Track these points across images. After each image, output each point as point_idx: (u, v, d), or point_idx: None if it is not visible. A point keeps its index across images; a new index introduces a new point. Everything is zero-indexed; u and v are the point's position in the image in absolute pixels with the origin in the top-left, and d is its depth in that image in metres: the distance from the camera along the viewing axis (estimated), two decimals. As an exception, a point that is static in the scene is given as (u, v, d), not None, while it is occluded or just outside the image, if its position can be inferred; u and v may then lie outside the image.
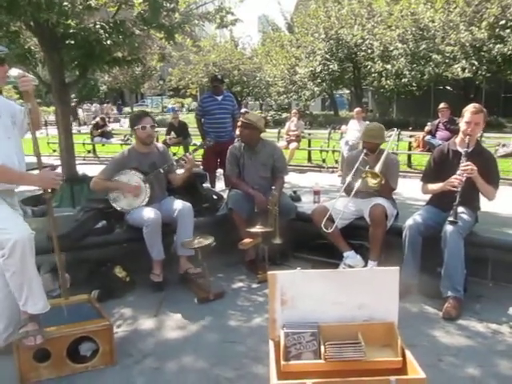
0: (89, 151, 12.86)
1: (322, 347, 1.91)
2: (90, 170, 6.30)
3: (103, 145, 13.30)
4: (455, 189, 3.29)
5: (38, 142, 2.76)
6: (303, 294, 1.98)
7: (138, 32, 5.67)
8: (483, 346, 2.83)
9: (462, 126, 3.47)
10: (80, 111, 22.01)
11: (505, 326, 3.04)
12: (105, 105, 29.69)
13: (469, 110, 3.44)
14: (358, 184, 3.77)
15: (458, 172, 3.31)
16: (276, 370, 1.81)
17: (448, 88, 18.65)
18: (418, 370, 1.76)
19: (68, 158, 5.88)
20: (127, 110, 28.94)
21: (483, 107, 3.55)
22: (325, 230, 3.74)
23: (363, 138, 4.03)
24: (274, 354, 1.93)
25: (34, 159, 2.80)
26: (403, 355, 1.91)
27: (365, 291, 1.98)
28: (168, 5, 5.58)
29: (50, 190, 2.76)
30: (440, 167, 3.58)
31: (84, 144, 12.73)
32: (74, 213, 4.04)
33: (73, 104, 26.02)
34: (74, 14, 5.01)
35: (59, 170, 5.69)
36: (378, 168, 3.67)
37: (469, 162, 3.30)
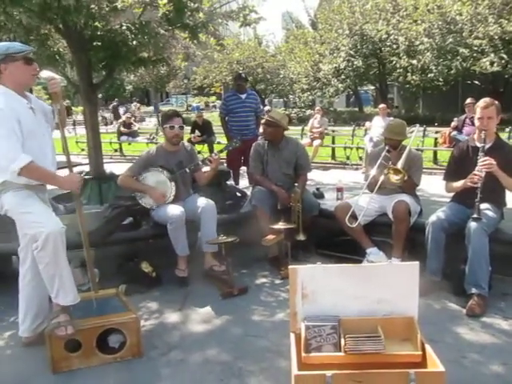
0: (115, 150, 13.13)
1: (342, 340, 1.94)
2: (117, 168, 6.44)
3: (129, 143, 13.55)
4: (476, 185, 3.26)
5: (67, 142, 2.87)
6: (323, 288, 2.02)
7: (162, 32, 5.76)
8: (508, 343, 2.80)
9: (476, 122, 3.47)
10: (121, 110, 22.40)
11: (530, 324, 3.01)
12: (133, 104, 30.17)
13: (479, 105, 3.43)
14: (380, 180, 3.77)
15: (477, 168, 3.29)
16: (297, 362, 1.86)
17: (476, 82, 18.25)
18: (437, 363, 1.78)
19: (96, 157, 6.03)
20: (152, 108, 29.34)
21: (503, 101, 3.51)
22: (349, 224, 3.75)
23: (385, 135, 4.03)
24: (295, 347, 1.98)
25: (62, 158, 2.92)
26: (423, 349, 1.93)
27: (385, 286, 2.00)
28: (192, 4, 5.65)
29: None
30: (460, 164, 3.56)
31: (111, 143, 13.00)
32: (102, 210, 4.17)
33: (115, 103, 26.52)
34: (101, 16, 5.14)
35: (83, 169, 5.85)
36: (400, 164, 3.67)
37: (487, 157, 3.28)
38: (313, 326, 1.99)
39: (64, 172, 2.87)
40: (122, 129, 13.43)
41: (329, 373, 1.73)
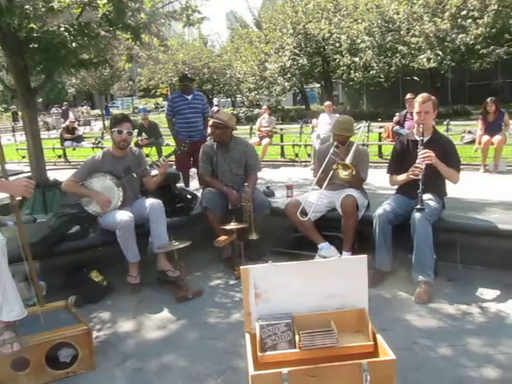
0: (59, 156, 12.64)
1: (297, 337, 1.97)
2: (62, 175, 6.21)
3: (74, 149, 13.08)
4: (417, 177, 3.40)
5: (2, 149, 2.72)
6: (276, 286, 2.04)
7: (103, 33, 5.61)
8: (454, 327, 2.94)
9: (415, 116, 3.64)
10: (71, 114, 21.51)
11: (474, 307, 3.17)
12: (84, 107, 29.18)
13: (417, 100, 3.60)
14: (329, 176, 3.85)
15: (417, 160, 3.43)
16: (253, 362, 1.86)
17: (415, 78, 19.04)
18: (388, 352, 1.84)
19: (38, 164, 5.79)
20: (97, 111, 28.52)
21: (439, 96, 3.69)
22: (301, 218, 3.80)
23: (334, 131, 4.11)
24: (250, 347, 1.98)
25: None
26: (374, 339, 1.99)
27: (335, 280, 2.05)
28: (133, 5, 5.53)
29: (19, 198, 2.74)
30: (402, 158, 3.71)
31: (54, 149, 12.50)
32: (46, 219, 4.00)
33: (64, 107, 25.43)
34: (37, 16, 4.92)
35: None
36: (348, 159, 3.76)
37: (426, 150, 3.44)
38: (267, 325, 2.00)
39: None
40: (65, 135, 12.93)
41: (285, 370, 1.75)
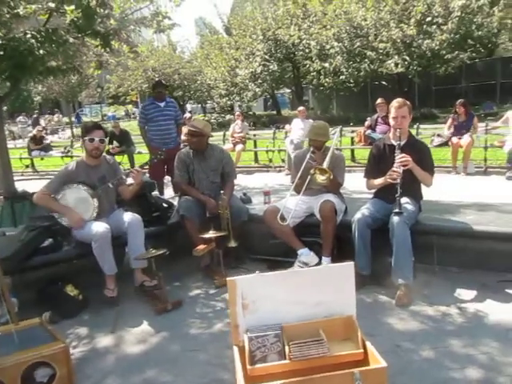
0: (27, 166, 12.26)
1: (287, 347, 1.94)
2: (30, 185, 6.03)
3: (42, 158, 12.72)
4: (395, 181, 3.44)
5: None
6: (263, 296, 2.00)
7: (72, 40, 5.48)
8: (435, 328, 2.97)
9: (391, 121, 3.68)
10: (42, 121, 20.88)
11: (453, 308, 3.21)
12: (56, 115, 28.56)
13: (393, 105, 3.65)
14: (307, 181, 3.85)
15: (395, 165, 3.47)
16: (243, 376, 1.82)
17: (383, 83, 19.42)
18: (378, 359, 1.83)
19: (5, 175, 5.61)
20: (65, 120, 27.93)
21: (407, 100, 3.76)
22: (281, 222, 3.79)
23: (310, 136, 4.12)
24: (239, 360, 1.93)
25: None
26: (364, 346, 1.98)
27: (323, 288, 2.03)
28: (102, 11, 5.44)
29: None
30: (379, 162, 3.74)
31: (21, 159, 12.12)
32: (16, 232, 3.85)
33: (35, 115, 24.70)
34: (1, 23, 4.77)
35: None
36: (325, 164, 3.77)
37: (403, 154, 3.48)
38: (256, 336, 1.96)
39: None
40: (31, 145, 12.55)
41: (277, 383, 1.71)
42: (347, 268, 2.04)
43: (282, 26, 19.80)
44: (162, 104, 6.15)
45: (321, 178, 3.76)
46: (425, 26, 15.80)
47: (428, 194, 3.87)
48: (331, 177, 3.73)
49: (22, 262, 3.45)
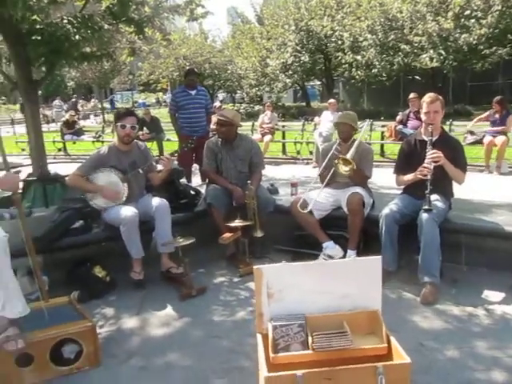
0: (59, 149, 12.57)
1: (310, 338, 1.94)
2: (62, 168, 6.17)
3: (74, 142, 13.02)
4: (425, 178, 3.37)
5: (2, 142, 2.69)
6: (289, 286, 2.01)
7: (106, 26, 5.56)
8: (460, 329, 2.92)
9: (423, 116, 3.61)
10: (79, 106, 21.39)
11: (480, 309, 3.15)
12: (92, 100, 29.15)
13: (425, 100, 3.57)
14: (331, 172, 3.84)
15: (426, 161, 3.41)
16: (266, 363, 1.84)
17: (417, 77, 19.02)
18: (402, 355, 1.82)
19: (39, 157, 5.74)
20: (98, 105, 28.48)
21: (441, 95, 3.67)
22: (304, 213, 3.79)
23: (340, 120, 4.08)
24: (262, 347, 1.95)
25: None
26: (388, 342, 1.96)
27: (349, 281, 2.02)
28: (137, -2, 5.50)
29: (20, 191, 2.70)
30: (409, 158, 3.67)
31: (54, 142, 12.43)
32: (49, 213, 3.96)
33: (74, 99, 25.33)
34: (40, 8, 4.87)
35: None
36: (349, 155, 3.74)
37: (434, 150, 3.41)
38: (280, 325, 1.98)
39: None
40: (64, 129, 12.86)
41: (299, 372, 1.72)
42: (375, 262, 2.03)
43: (315, 16, 19.60)
44: (193, 92, 6.20)
45: (344, 169, 3.74)
46: (463, 20, 15.36)
47: (459, 192, 3.79)
48: (354, 167, 3.69)
49: (53, 242, 3.54)
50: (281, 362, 1.87)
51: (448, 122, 9.25)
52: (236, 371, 2.53)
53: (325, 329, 1.95)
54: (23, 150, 11.35)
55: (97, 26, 5.27)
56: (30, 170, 5.77)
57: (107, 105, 30.13)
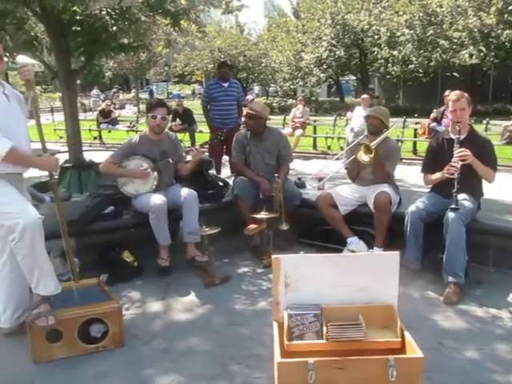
0: (95, 138, 12.93)
1: (324, 328, 1.99)
2: (97, 156, 6.37)
3: (109, 131, 13.36)
4: (453, 176, 3.33)
5: (42, 128, 2.83)
6: (306, 276, 2.05)
7: (143, 18, 5.68)
8: (482, 330, 2.89)
9: (450, 115, 3.55)
10: (120, 96, 21.87)
11: (504, 311, 3.10)
12: (133, 90, 29.69)
13: (451, 99, 3.52)
14: (352, 157, 3.91)
15: (453, 159, 3.36)
16: (280, 350, 1.89)
17: (455, 74, 18.50)
18: (416, 350, 1.84)
19: (75, 145, 5.95)
20: (133, 96, 29.03)
21: (481, 93, 3.61)
22: (322, 206, 3.91)
23: (370, 113, 4.07)
24: (278, 335, 2.01)
25: (37, 145, 2.88)
26: (402, 336, 1.98)
27: (366, 275, 2.05)
28: (174, -10, 5.59)
29: (56, 176, 2.83)
30: (437, 157, 3.63)
31: (90, 130, 12.79)
32: (82, 198, 4.12)
33: (115, 89, 25.97)
34: (80, 0, 5.03)
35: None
36: (373, 143, 3.73)
37: (462, 148, 3.35)
38: (295, 314, 2.03)
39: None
40: (100, 118, 13.21)
41: (311, 360, 1.77)
42: (392, 257, 2.04)
43: (352, 10, 19.32)
44: (226, 84, 6.26)
45: (364, 157, 3.74)
46: (506, 15, 14.80)
47: (489, 192, 3.73)
48: (373, 157, 3.68)
49: (85, 226, 3.69)
50: (294, 350, 1.92)
51: (484, 121, 9.01)
52: (253, 358, 2.59)
53: (340, 320, 1.98)
54: (61, 137, 11.73)
55: (134, 18, 5.40)
56: (66, 156, 5.99)
57: (145, 95, 30.65)
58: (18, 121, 2.69)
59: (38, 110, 2.96)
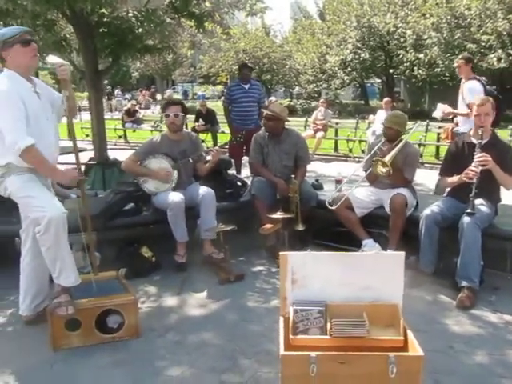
0: (120, 136, 13.20)
1: (328, 324, 2.04)
2: (121, 154, 6.53)
3: (134, 130, 13.62)
4: (471, 181, 3.32)
5: (74, 127, 2.94)
6: (313, 274, 2.11)
7: (168, 20, 5.82)
8: (494, 335, 2.88)
9: (473, 119, 3.54)
10: (158, 95, 22.14)
11: (518, 318, 3.08)
12: (168, 90, 30.22)
13: (475, 103, 3.52)
14: (368, 171, 3.94)
15: (473, 164, 3.35)
16: (284, 343, 1.95)
17: (483, 78, 18.15)
18: (417, 348, 1.87)
19: (100, 143, 6.13)
20: (158, 96, 29.50)
21: (508, 97, 3.56)
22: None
23: (385, 124, 4.07)
24: (283, 329, 2.07)
25: (67, 143, 3.00)
26: (405, 335, 2.01)
27: (371, 274, 2.09)
28: (199, -7, 5.71)
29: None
30: (456, 160, 3.62)
31: (115, 129, 13.06)
32: (104, 195, 4.25)
33: (153, 89, 26.37)
34: (108, 2, 5.19)
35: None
36: (387, 157, 3.74)
37: (483, 153, 3.34)
38: (300, 309, 2.08)
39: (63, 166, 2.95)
40: (125, 117, 13.49)
41: (313, 353, 1.82)
42: (398, 257, 2.07)
43: (378, 13, 19.19)
44: (247, 86, 6.34)
45: (381, 170, 3.76)
46: (537, 19, 14.50)
47: (507, 198, 3.69)
48: (390, 172, 3.69)
49: (106, 221, 3.81)
50: (298, 344, 1.97)
51: (511, 126, 8.84)
52: (263, 353, 2.65)
53: (344, 317, 2.03)
54: (87, 135, 12.02)
55: (159, 20, 5.53)
56: (91, 154, 6.17)
57: (179, 95, 31.11)
58: (47, 119, 2.80)
59: (75, 108, 3.06)
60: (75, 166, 2.98)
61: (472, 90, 5.11)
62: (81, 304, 2.73)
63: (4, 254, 3.74)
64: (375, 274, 2.07)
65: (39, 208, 2.63)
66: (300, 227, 4.07)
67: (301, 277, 2.10)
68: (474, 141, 3.50)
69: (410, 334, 1.98)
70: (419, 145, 9.20)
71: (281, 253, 2.18)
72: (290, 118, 4.89)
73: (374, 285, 2.08)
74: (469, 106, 8.37)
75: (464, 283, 3.26)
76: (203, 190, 3.91)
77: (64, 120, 3.07)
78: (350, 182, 5.19)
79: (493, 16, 15.27)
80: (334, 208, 3.92)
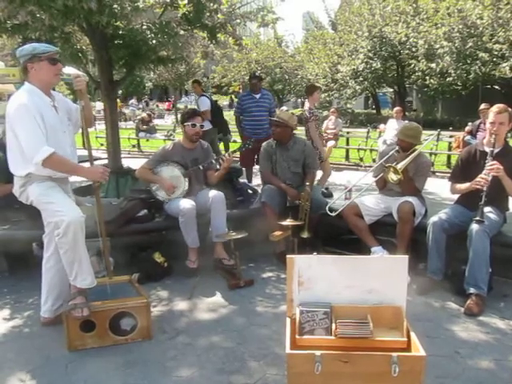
0: (133, 145, 13.39)
1: (333, 325, 2.09)
2: (134, 163, 6.66)
3: (147, 140, 13.81)
4: (481, 188, 3.35)
5: (89, 137, 3.06)
6: (318, 276, 2.17)
7: (182, 32, 5.95)
8: (501, 342, 2.90)
9: (488, 126, 3.55)
10: (179, 105, 22.32)
11: (527, 325, 3.09)
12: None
13: (493, 110, 3.53)
14: (379, 176, 3.99)
15: (484, 172, 3.37)
16: (290, 343, 2.01)
17: (496, 87, 18.09)
18: (419, 349, 1.91)
19: (114, 152, 6.25)
20: (191, 105, 29.92)
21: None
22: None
23: (399, 136, 4.10)
24: (289, 330, 2.13)
25: (83, 152, 3.11)
26: (408, 337, 2.06)
27: (376, 277, 2.14)
28: (211, 5, 5.83)
29: (98, 182, 3.04)
30: (467, 167, 3.64)
31: (129, 139, 13.26)
32: (118, 202, 4.37)
33: (173, 99, 26.34)
34: (123, 15, 5.34)
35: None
36: (400, 165, 3.77)
37: (494, 162, 3.36)
38: (306, 311, 2.15)
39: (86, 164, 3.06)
40: (140, 126, 13.70)
41: (318, 352, 1.88)
42: (401, 261, 2.13)
43: (390, 22, 19.26)
44: (258, 96, 6.44)
45: (392, 177, 3.79)
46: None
47: (516, 206, 3.72)
48: (401, 179, 3.73)
49: (120, 227, 3.92)
50: (304, 344, 2.03)
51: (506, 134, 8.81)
52: (272, 356, 2.71)
53: (349, 319, 2.09)
54: (102, 144, 12.24)
55: (173, 32, 5.65)
56: (106, 162, 6.29)
57: (182, 105, 31.42)
58: (64, 132, 2.93)
59: (91, 118, 3.18)
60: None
61: None
62: (95, 306, 2.82)
63: (22, 258, 3.87)
64: (379, 277, 2.13)
65: (59, 212, 2.74)
66: (305, 234, 4.12)
67: (307, 279, 2.17)
68: (487, 149, 3.53)
69: (413, 335, 2.03)
70: (431, 154, 9.20)
71: (288, 256, 2.24)
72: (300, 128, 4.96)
73: (378, 287, 2.14)
74: (481, 111, 8.41)
75: (472, 290, 3.28)
76: (213, 193, 3.99)
77: (80, 130, 3.19)
78: (357, 190, 5.25)
79: (505, 25, 15.25)
80: (333, 214, 3.97)
